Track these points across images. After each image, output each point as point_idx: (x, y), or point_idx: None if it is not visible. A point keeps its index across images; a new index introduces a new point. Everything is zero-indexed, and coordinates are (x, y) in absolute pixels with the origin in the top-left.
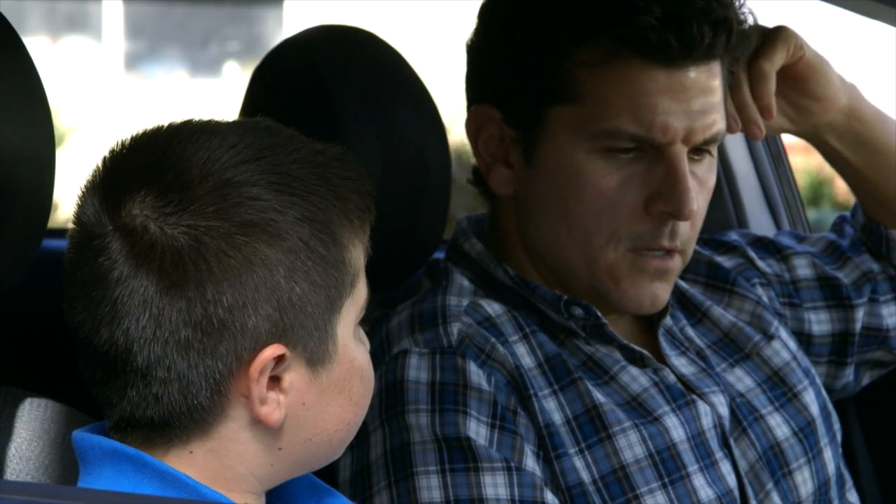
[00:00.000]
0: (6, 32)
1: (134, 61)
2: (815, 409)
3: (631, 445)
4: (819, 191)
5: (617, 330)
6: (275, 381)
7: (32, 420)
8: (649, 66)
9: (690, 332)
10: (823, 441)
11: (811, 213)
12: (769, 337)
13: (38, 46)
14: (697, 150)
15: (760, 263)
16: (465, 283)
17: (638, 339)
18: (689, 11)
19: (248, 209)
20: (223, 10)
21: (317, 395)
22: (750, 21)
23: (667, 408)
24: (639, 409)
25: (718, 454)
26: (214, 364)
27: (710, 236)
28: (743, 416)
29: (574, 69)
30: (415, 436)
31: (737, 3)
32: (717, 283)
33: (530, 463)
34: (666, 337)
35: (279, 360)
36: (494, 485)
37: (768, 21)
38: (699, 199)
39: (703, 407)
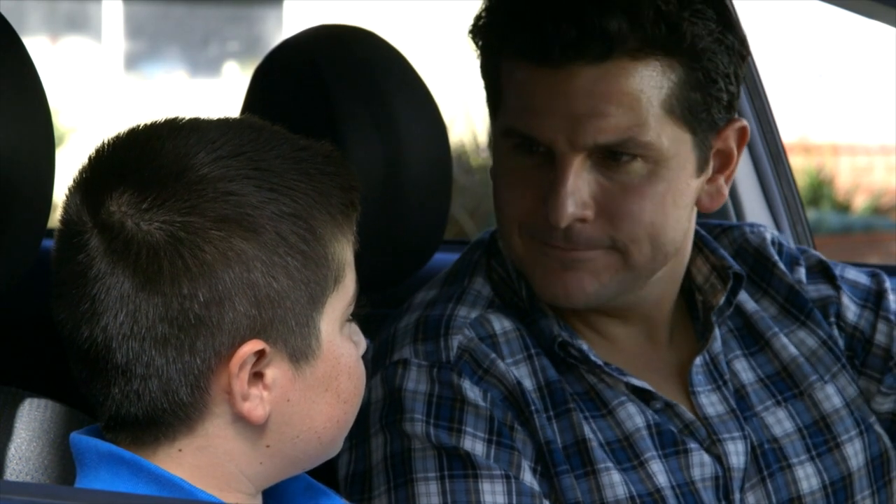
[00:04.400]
0: (6, 32)
1: (134, 61)
2: (858, 461)
3: (613, 485)
4: (819, 191)
5: (645, 355)
6: (258, 377)
7: (32, 420)
8: (530, 67)
9: (740, 364)
10: (863, 493)
11: (811, 213)
12: (825, 380)
13: (38, 46)
14: (612, 154)
15: (850, 311)
16: (486, 290)
17: (670, 365)
18: (551, 12)
19: (224, 204)
20: (223, 10)
21: (301, 391)
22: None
23: (654, 453)
24: (627, 451)
25: None
26: (192, 360)
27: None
28: (767, 465)
29: (499, 76)
30: (415, 443)
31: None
32: (792, 310)
33: (528, 477)
34: (704, 368)
35: (260, 355)
36: (493, 492)
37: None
38: (621, 204)
39: (697, 457)
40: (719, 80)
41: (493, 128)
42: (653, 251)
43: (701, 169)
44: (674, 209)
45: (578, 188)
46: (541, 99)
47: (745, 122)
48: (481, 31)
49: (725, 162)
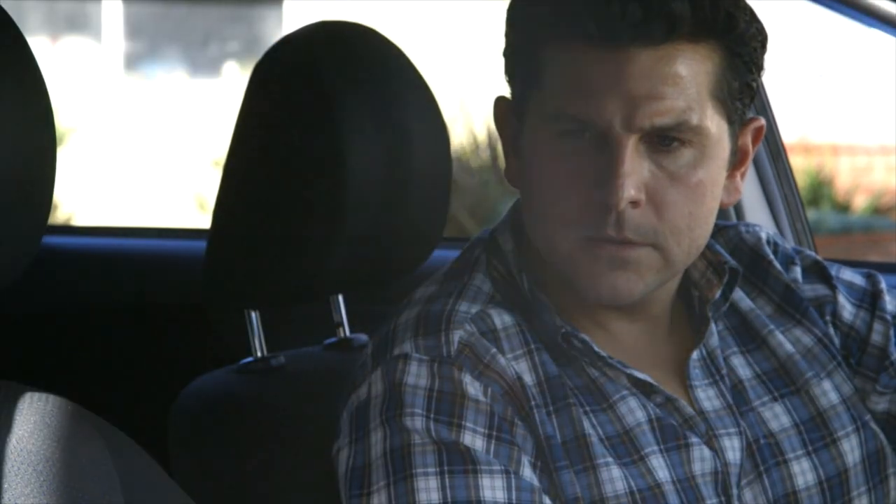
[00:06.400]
0: (9, 30)
1: (134, 61)
2: (854, 457)
3: (612, 480)
4: (819, 191)
5: (644, 350)
6: None
7: (33, 414)
8: (587, 49)
9: (738, 360)
10: (859, 490)
11: (811, 213)
12: (821, 377)
13: (38, 46)
14: (664, 139)
15: (846, 310)
16: (486, 286)
17: (669, 361)
18: None
19: None
20: (223, 10)
21: None
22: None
23: (655, 447)
24: (626, 445)
25: (711, 501)
26: None
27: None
28: (763, 460)
29: (543, 61)
30: (415, 438)
31: None
32: (787, 309)
33: (528, 473)
34: (701, 363)
35: None
36: (493, 487)
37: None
38: (668, 192)
39: (698, 451)
40: (753, 70)
41: (530, 116)
42: (689, 244)
43: (731, 162)
44: (710, 200)
45: (635, 169)
46: (598, 81)
47: (762, 122)
48: (524, 14)
49: (742, 159)
